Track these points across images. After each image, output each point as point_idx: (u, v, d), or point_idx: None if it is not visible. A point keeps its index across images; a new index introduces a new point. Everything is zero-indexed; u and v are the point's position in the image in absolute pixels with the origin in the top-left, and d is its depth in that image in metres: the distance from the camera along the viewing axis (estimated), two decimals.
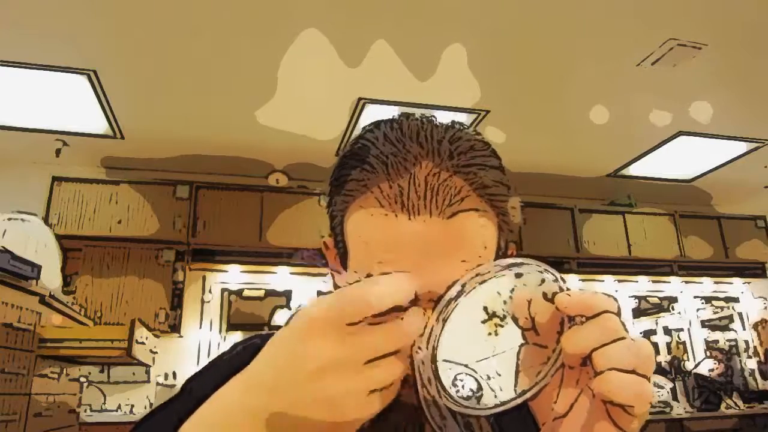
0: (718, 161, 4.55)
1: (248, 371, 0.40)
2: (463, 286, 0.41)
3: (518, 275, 0.42)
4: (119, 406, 3.91)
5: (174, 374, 4.07)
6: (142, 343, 2.67)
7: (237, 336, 4.20)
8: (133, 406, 3.93)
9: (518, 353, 0.42)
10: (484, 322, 0.42)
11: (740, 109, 3.78)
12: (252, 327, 4.24)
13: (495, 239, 0.51)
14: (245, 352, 0.64)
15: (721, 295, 5.41)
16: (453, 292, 0.40)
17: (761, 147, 4.30)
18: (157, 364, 3.61)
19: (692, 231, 5.19)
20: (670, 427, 4.22)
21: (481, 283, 0.41)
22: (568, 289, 0.40)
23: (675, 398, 4.67)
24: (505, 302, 0.42)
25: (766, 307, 5.28)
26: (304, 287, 4.46)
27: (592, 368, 0.38)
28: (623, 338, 0.38)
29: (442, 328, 0.40)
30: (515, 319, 0.42)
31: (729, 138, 4.15)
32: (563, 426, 0.41)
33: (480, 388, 0.40)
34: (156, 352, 3.18)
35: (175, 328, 4.00)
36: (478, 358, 0.41)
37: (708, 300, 5.35)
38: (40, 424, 2.27)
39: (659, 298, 5.24)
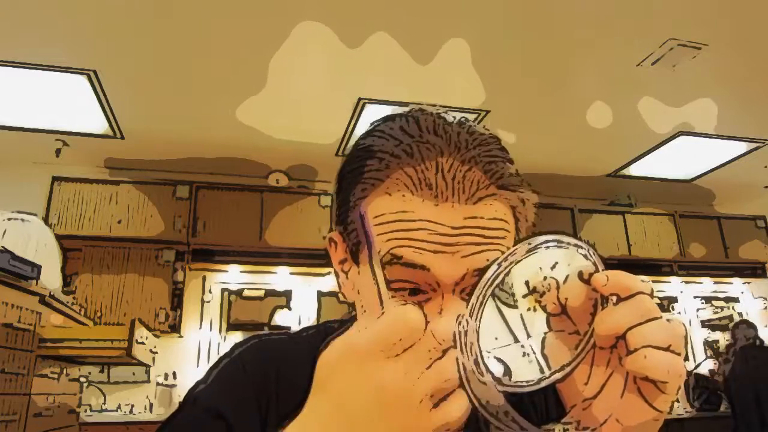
0: (718, 161, 4.55)
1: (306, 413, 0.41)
2: (499, 265, 0.41)
3: (559, 247, 0.42)
4: (119, 406, 3.91)
5: (174, 374, 4.07)
6: (142, 343, 2.67)
7: (237, 336, 4.20)
8: (133, 406, 3.93)
9: (544, 338, 0.42)
10: (524, 296, 0.42)
11: (740, 109, 3.78)
12: (252, 327, 4.24)
13: (513, 228, 0.53)
14: (247, 354, 0.64)
15: (721, 295, 5.41)
16: (490, 272, 0.41)
17: (761, 147, 4.30)
18: (157, 364, 3.61)
19: (692, 231, 5.20)
20: (670, 427, 4.22)
21: (517, 261, 0.41)
22: (603, 269, 0.41)
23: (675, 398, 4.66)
24: (545, 278, 0.42)
25: (766, 307, 5.28)
26: (304, 287, 4.47)
27: (626, 347, 0.38)
28: (657, 318, 0.39)
29: (482, 309, 0.40)
30: (544, 307, 0.42)
31: (729, 138, 4.15)
32: (594, 406, 0.42)
33: (508, 369, 0.40)
34: (156, 352, 3.18)
35: (175, 328, 4.00)
36: (513, 338, 0.41)
37: (708, 300, 5.35)
38: (40, 424, 2.27)
39: (659, 298, 5.23)
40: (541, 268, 0.42)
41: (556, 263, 0.42)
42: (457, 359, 0.39)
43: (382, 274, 0.42)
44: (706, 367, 4.91)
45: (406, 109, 0.58)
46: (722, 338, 5.22)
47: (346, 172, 0.58)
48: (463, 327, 0.40)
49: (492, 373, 0.39)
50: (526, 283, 0.42)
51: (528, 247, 0.41)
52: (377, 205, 0.52)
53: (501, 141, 0.56)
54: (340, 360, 0.39)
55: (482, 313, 0.40)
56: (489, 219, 0.50)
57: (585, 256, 0.42)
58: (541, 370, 0.41)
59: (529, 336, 0.42)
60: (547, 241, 0.42)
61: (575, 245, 0.42)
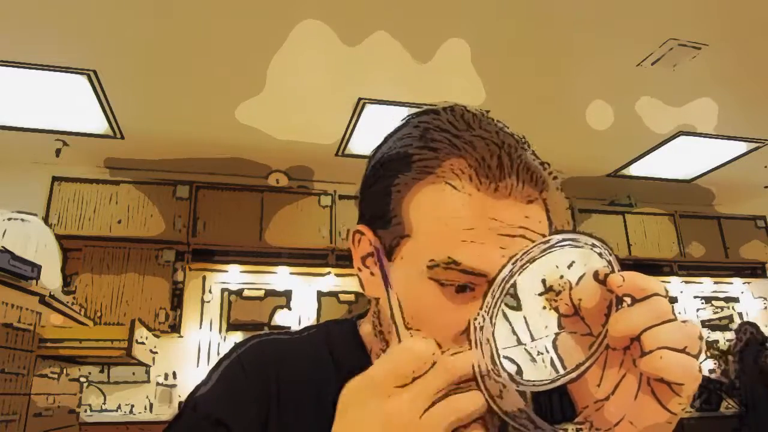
0: (718, 161, 4.55)
1: None
2: (515, 264, 0.41)
3: (575, 246, 0.42)
4: (119, 406, 3.91)
5: (174, 374, 4.07)
6: (142, 343, 2.67)
7: (237, 336, 4.20)
8: (133, 406, 3.93)
9: (557, 338, 0.42)
10: (540, 294, 0.42)
11: (740, 109, 3.78)
12: (252, 327, 4.24)
13: (548, 229, 0.53)
14: (247, 355, 0.63)
15: (721, 295, 5.41)
16: (506, 270, 0.41)
17: (761, 147, 4.30)
18: (157, 364, 3.61)
19: (692, 231, 5.20)
20: None
21: (532, 261, 0.41)
22: (619, 269, 0.41)
23: None
24: (562, 276, 0.42)
25: (766, 307, 5.28)
26: (304, 287, 4.47)
27: (641, 349, 0.38)
28: (673, 320, 0.38)
29: (499, 306, 0.40)
30: (557, 309, 0.42)
31: (729, 138, 4.15)
32: (607, 408, 0.41)
33: (519, 368, 0.40)
34: (156, 352, 3.17)
35: (175, 328, 4.00)
36: (529, 336, 0.41)
37: (708, 300, 5.35)
38: (40, 424, 2.27)
39: None
40: (557, 267, 0.42)
41: (573, 262, 0.42)
42: (472, 355, 0.39)
43: (399, 311, 0.42)
44: (706, 367, 4.91)
45: (409, 106, 0.56)
46: (722, 338, 5.22)
47: (386, 161, 0.55)
48: (479, 324, 0.40)
49: (507, 371, 0.39)
50: (543, 281, 0.42)
51: (544, 246, 0.41)
52: (431, 196, 0.50)
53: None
54: (356, 390, 0.40)
55: (498, 310, 0.40)
56: (537, 221, 0.49)
57: (600, 255, 0.41)
58: (555, 370, 0.41)
59: (542, 336, 0.42)
60: (563, 240, 0.42)
61: (591, 245, 0.42)
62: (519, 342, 0.41)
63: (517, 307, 0.41)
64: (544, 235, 0.48)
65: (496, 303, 0.40)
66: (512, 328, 0.41)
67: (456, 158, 0.50)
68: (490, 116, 0.55)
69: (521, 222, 0.48)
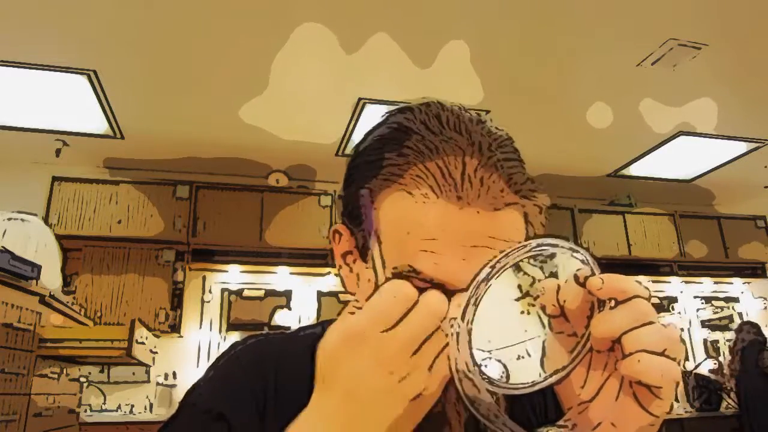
0: (718, 161, 4.55)
1: (313, 406, 0.43)
2: (493, 267, 0.41)
3: (551, 255, 0.42)
4: (119, 406, 3.91)
5: (174, 374, 4.07)
6: (142, 343, 2.67)
7: (237, 336, 4.20)
8: (133, 406, 3.93)
9: (545, 339, 0.42)
10: (517, 300, 0.42)
11: (740, 109, 3.78)
12: (252, 327, 4.24)
13: (524, 234, 0.52)
14: (245, 353, 0.63)
15: (721, 295, 5.41)
16: (483, 274, 0.41)
17: (761, 147, 4.29)
18: (157, 364, 3.60)
19: (692, 231, 5.20)
20: (670, 427, 4.22)
21: (512, 264, 0.41)
22: (599, 272, 0.41)
23: (675, 398, 4.67)
24: (537, 280, 0.42)
25: (766, 307, 5.28)
26: (304, 287, 4.47)
27: (621, 351, 0.38)
28: (653, 322, 0.38)
29: (475, 310, 0.40)
30: (543, 307, 0.42)
31: (729, 138, 4.15)
32: (590, 410, 0.42)
33: (506, 371, 0.40)
34: (156, 352, 3.17)
35: (175, 328, 4.00)
36: (508, 340, 0.41)
37: (708, 300, 5.35)
38: (40, 424, 2.26)
39: (659, 298, 5.24)
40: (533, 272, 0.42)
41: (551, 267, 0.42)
42: (449, 361, 0.39)
43: (381, 261, 0.43)
44: (706, 367, 4.91)
45: (421, 100, 0.55)
46: (722, 338, 5.22)
47: (359, 163, 0.55)
48: (456, 329, 0.40)
49: (486, 375, 0.39)
50: (519, 286, 0.42)
51: (522, 250, 0.41)
52: (396, 204, 0.50)
53: (513, 140, 0.54)
54: (340, 347, 0.40)
55: (475, 314, 0.40)
56: (508, 229, 0.48)
57: (582, 261, 0.41)
58: (539, 373, 0.41)
59: (523, 339, 0.42)
60: (541, 245, 0.41)
61: (570, 248, 0.42)
62: (503, 344, 0.41)
63: (495, 311, 0.41)
64: (520, 242, 0.48)
65: (472, 307, 0.40)
66: (491, 331, 0.41)
67: (420, 165, 0.49)
68: (469, 112, 0.54)
69: (488, 232, 0.47)
